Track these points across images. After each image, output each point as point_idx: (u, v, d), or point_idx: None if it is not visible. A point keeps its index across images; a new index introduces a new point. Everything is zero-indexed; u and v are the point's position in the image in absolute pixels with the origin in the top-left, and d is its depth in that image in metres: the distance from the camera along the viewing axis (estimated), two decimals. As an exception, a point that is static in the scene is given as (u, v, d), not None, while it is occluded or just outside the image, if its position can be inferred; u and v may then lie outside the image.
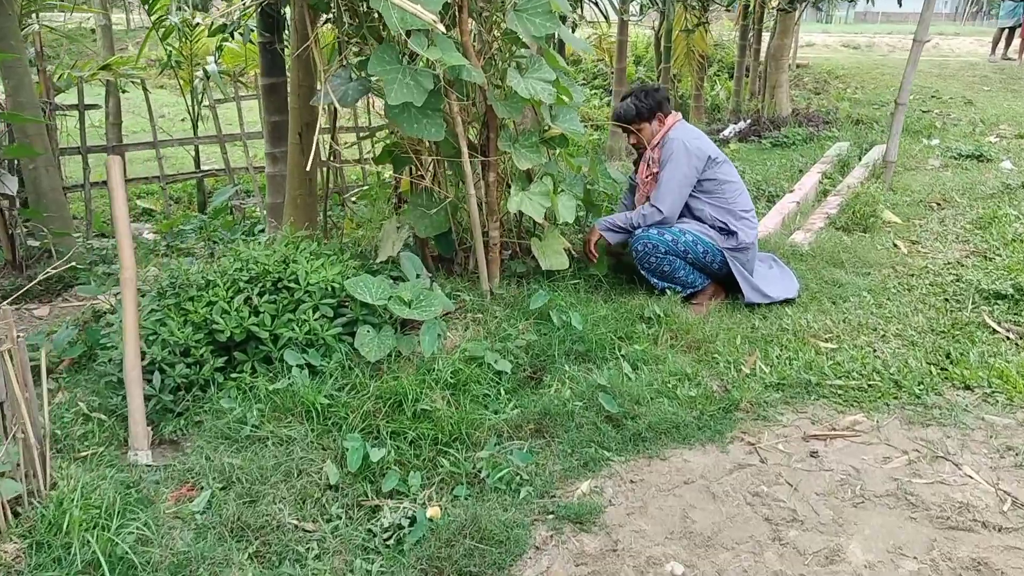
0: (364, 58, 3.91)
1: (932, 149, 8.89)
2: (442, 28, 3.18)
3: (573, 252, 4.59)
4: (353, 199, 6.99)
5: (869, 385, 3.54)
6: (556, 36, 4.01)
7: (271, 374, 3.47)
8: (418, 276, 3.88)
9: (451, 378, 3.39)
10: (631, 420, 3.26)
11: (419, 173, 4.33)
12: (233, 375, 3.47)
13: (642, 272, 4.45)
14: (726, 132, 10.20)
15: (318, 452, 3.06)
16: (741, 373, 3.68)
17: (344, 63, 4.03)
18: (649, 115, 4.52)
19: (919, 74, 14.26)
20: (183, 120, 11.07)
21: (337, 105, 3.75)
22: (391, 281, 4.00)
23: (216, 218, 7.40)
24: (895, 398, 3.46)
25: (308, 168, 4.39)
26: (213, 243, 6.37)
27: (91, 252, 5.69)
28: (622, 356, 3.79)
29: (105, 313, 4.31)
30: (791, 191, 6.64)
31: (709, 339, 4.00)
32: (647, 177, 4.56)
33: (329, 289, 3.67)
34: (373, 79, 3.73)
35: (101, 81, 7.26)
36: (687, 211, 4.47)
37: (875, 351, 3.93)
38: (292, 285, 3.66)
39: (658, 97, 4.52)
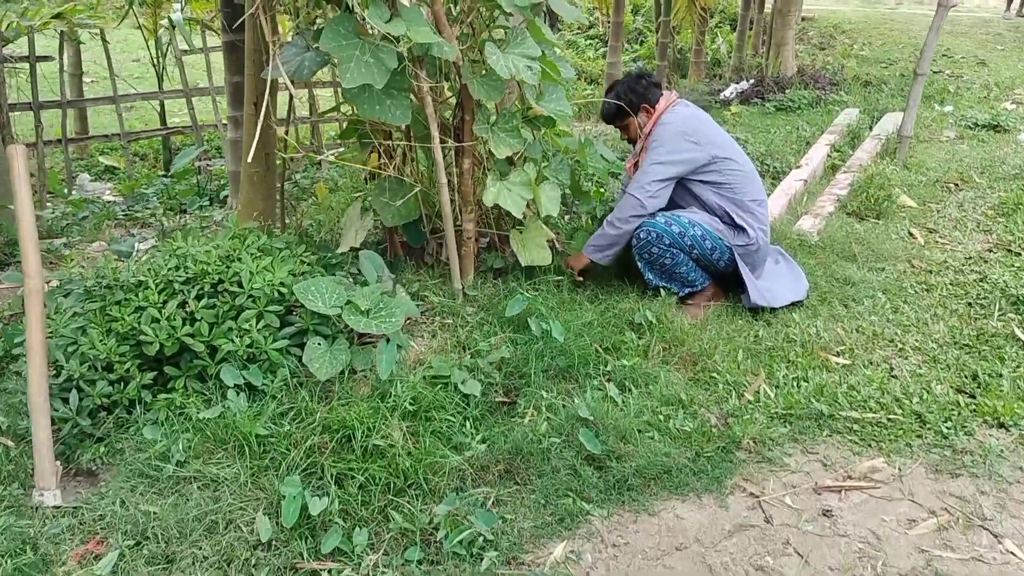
0: (321, 27, 3.39)
1: (946, 117, 8.37)
2: (405, 0, 2.67)
3: (556, 244, 4.12)
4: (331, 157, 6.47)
5: (889, 420, 3.11)
6: (544, 3, 3.51)
7: (206, 394, 3.03)
8: (379, 279, 3.42)
9: (410, 405, 2.95)
10: (616, 461, 2.83)
11: (385, 155, 3.84)
12: (163, 394, 3.03)
13: (638, 263, 3.99)
14: (727, 92, 9.65)
15: (251, 498, 2.63)
16: (743, 399, 3.25)
17: (299, 29, 3.51)
18: (634, 108, 4.06)
19: (920, 28, 13.66)
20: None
21: (287, 81, 3.24)
22: (350, 281, 3.54)
23: (180, 181, 6.90)
24: (918, 436, 3.04)
25: (251, 151, 3.89)
26: (172, 212, 5.88)
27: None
28: (608, 374, 3.36)
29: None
30: (798, 166, 6.15)
31: (707, 352, 3.56)
32: (633, 170, 4.08)
33: (276, 294, 3.21)
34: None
35: (54, 30, 6.67)
36: (693, 199, 4.00)
37: (893, 370, 3.51)
38: (234, 288, 3.19)
39: (642, 87, 4.04)
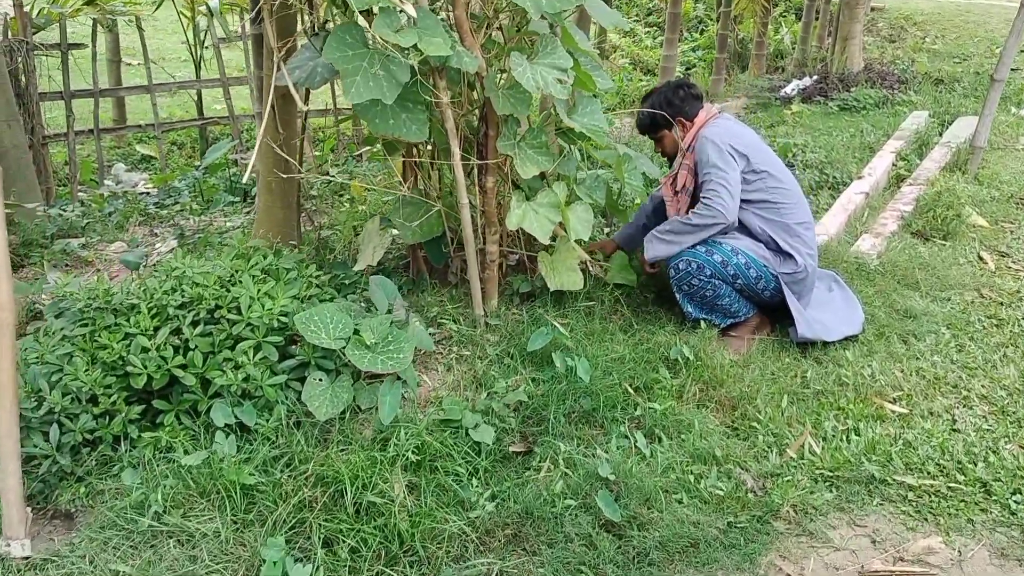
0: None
1: (1021, 123, 7.82)
2: (411, 11, 2.38)
3: (590, 266, 3.81)
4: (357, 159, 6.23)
5: (949, 488, 2.76)
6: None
7: (197, 430, 2.80)
8: (391, 307, 3.15)
9: (414, 454, 2.68)
10: (637, 530, 2.54)
11: (408, 166, 3.57)
12: (149, 432, 2.81)
13: (676, 295, 3.67)
14: (788, 89, 9.17)
15: (231, 558, 2.39)
16: (785, 456, 2.93)
17: (309, 34, 3.25)
18: (667, 122, 3.73)
19: (998, 22, 12.94)
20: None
21: (293, 90, 2.98)
22: (362, 306, 3.29)
23: (214, 174, 6.72)
24: (982, 511, 2.68)
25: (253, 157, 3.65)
26: (198, 211, 5.69)
27: (54, 221, 5.04)
28: (637, 419, 3.06)
29: (40, 316, 3.68)
30: (859, 177, 5.73)
31: (748, 396, 3.23)
32: (675, 193, 3.74)
33: (277, 323, 2.96)
34: (340, 61, 2.95)
35: (88, 17, 6.52)
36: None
37: (955, 422, 3.15)
38: (232, 316, 2.96)
39: (679, 99, 3.71)
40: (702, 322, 3.64)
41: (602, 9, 3.29)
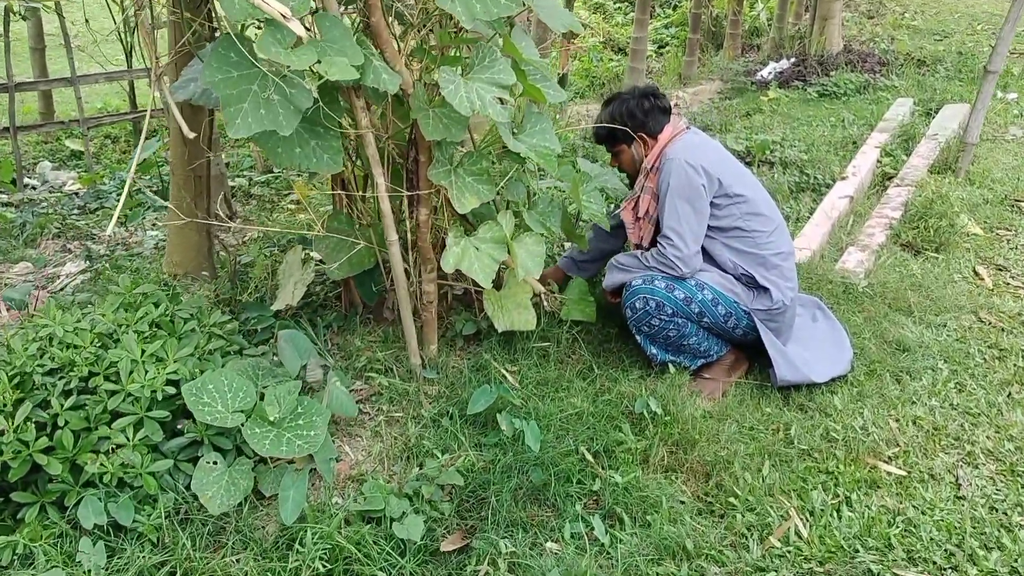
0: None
1: (1010, 109, 7.39)
2: (300, 30, 1.89)
3: (544, 300, 3.35)
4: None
5: (959, 588, 2.34)
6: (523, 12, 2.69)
7: (63, 530, 2.32)
8: (303, 368, 2.67)
9: (323, 562, 2.22)
10: (591, 658, 2.10)
11: (338, 185, 3.09)
12: (6, 531, 2.33)
13: (637, 338, 3.22)
14: (764, 72, 8.70)
15: None
16: (767, 543, 2.49)
17: (197, 43, 2.74)
18: (627, 136, 3.25)
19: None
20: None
21: (173, 108, 2.48)
22: (274, 361, 2.81)
23: (146, 173, 6.17)
24: (1001, 618, 2.27)
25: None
26: (123, 219, 5.16)
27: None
28: (596, 495, 2.62)
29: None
30: (842, 178, 5.29)
31: (724, 461, 2.79)
32: (636, 220, 3.28)
33: (162, 393, 2.48)
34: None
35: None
36: (702, 252, 3.20)
37: (960, 487, 2.74)
38: (110, 386, 2.47)
39: (642, 111, 3.22)
40: (671, 365, 3.20)
41: (552, 9, 2.80)
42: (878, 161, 5.72)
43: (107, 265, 3.98)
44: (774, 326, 3.20)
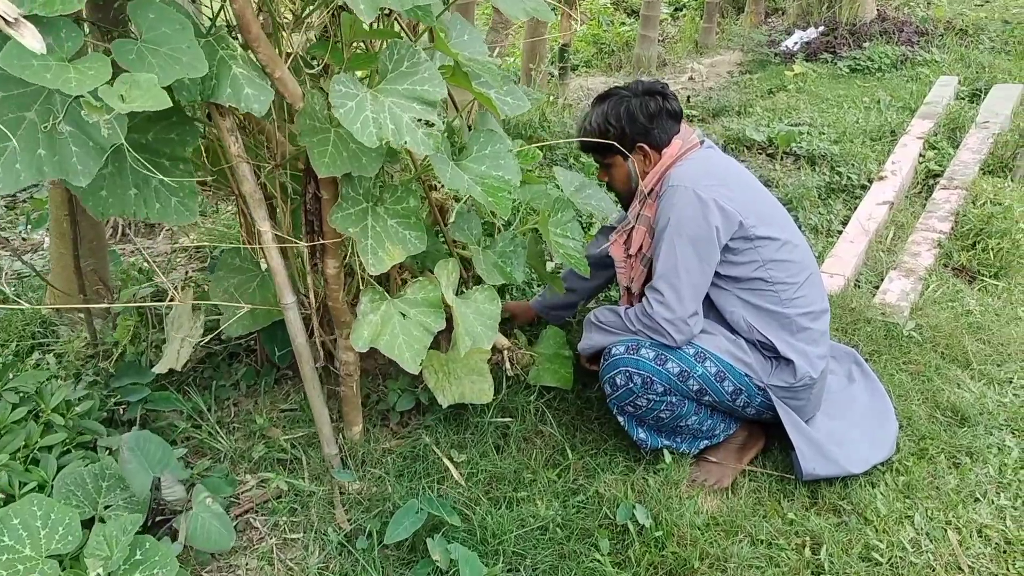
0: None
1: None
2: (34, 44, 1.15)
3: (510, 362, 2.62)
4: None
5: None
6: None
7: None
8: (156, 485, 1.96)
9: None
10: None
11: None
12: None
13: (619, 419, 2.49)
14: (789, 42, 7.85)
15: None
16: None
17: None
18: (627, 146, 2.46)
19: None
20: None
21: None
22: (138, 459, 2.10)
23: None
24: None
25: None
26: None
27: None
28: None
29: None
30: (880, 177, 4.51)
31: (731, 601, 2.09)
32: (627, 257, 2.53)
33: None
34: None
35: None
36: (707, 303, 2.45)
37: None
38: None
39: (644, 115, 2.42)
40: (665, 452, 2.49)
41: (509, -11, 2.03)
42: (920, 155, 4.93)
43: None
44: (797, 404, 2.47)
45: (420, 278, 2.09)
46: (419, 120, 1.75)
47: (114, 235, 4.15)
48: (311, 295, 2.10)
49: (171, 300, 2.06)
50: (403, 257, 1.98)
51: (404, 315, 2.06)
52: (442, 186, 2.29)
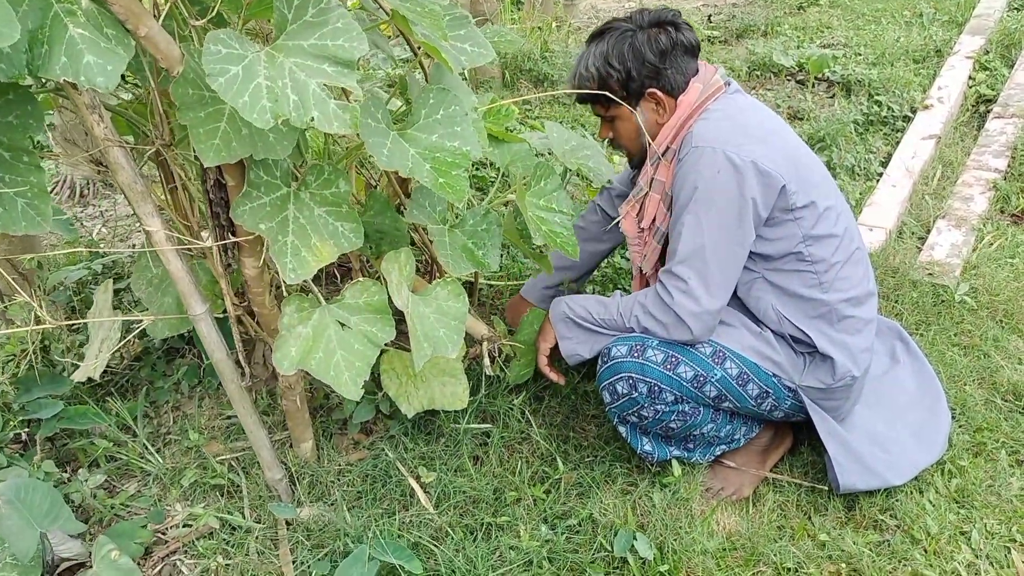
0: None
1: None
2: None
3: (487, 359, 2.23)
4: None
5: None
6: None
7: None
8: (39, 548, 1.61)
9: None
10: None
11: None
12: None
13: (620, 429, 2.09)
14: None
15: None
16: None
17: None
18: (634, 89, 1.98)
19: None
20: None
21: None
22: (52, 489, 1.75)
23: None
24: None
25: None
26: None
27: None
28: None
29: None
30: (925, 106, 3.99)
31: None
32: (640, 231, 2.10)
33: None
34: None
35: None
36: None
37: None
38: None
39: (654, 52, 1.92)
40: (674, 462, 2.10)
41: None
42: (970, 78, 4.38)
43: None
44: (832, 404, 2.06)
45: (361, 280, 1.68)
46: (321, 85, 1.32)
47: (71, 197, 3.79)
48: (228, 301, 1.70)
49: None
50: (333, 257, 1.58)
51: (343, 324, 1.67)
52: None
